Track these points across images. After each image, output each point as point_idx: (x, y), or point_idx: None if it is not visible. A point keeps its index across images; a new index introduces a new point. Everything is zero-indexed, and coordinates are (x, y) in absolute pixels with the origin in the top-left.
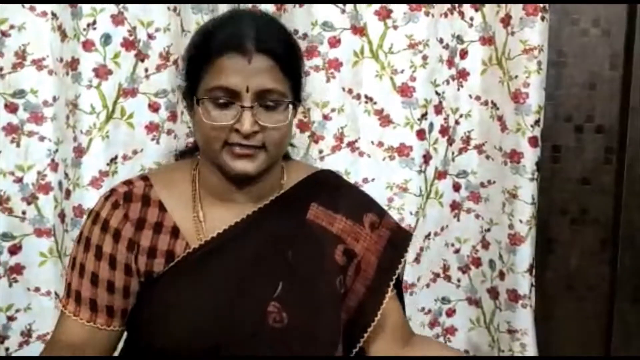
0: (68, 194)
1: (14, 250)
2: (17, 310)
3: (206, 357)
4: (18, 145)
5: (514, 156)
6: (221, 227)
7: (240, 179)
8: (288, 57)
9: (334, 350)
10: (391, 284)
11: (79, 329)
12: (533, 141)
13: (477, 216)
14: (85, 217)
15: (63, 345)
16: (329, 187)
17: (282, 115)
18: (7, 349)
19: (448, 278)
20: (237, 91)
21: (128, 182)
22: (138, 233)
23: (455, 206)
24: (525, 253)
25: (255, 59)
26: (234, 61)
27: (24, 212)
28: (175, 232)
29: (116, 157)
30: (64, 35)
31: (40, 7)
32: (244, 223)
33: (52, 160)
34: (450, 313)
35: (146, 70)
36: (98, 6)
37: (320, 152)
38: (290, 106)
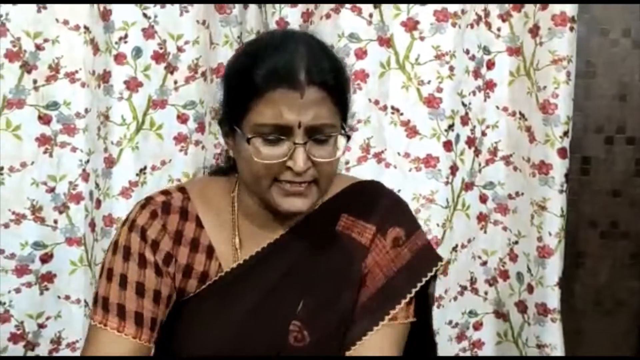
0: (98, 203)
1: (46, 258)
2: (48, 318)
3: None
4: (51, 155)
5: (543, 167)
6: (253, 250)
7: (292, 214)
8: (339, 87)
9: None
10: (388, 315)
11: (122, 347)
12: (562, 152)
13: (504, 228)
14: (119, 225)
15: None
16: (364, 197)
17: (333, 148)
18: (37, 356)
19: (475, 291)
20: (290, 126)
21: (166, 192)
22: (176, 247)
23: (482, 218)
24: (555, 266)
25: (307, 93)
26: (285, 95)
27: (55, 221)
28: (210, 252)
29: (145, 167)
30: (96, 49)
31: (73, 21)
32: (276, 244)
33: (84, 170)
34: (478, 326)
35: (175, 82)
36: (130, 19)
37: (347, 163)
38: (339, 137)
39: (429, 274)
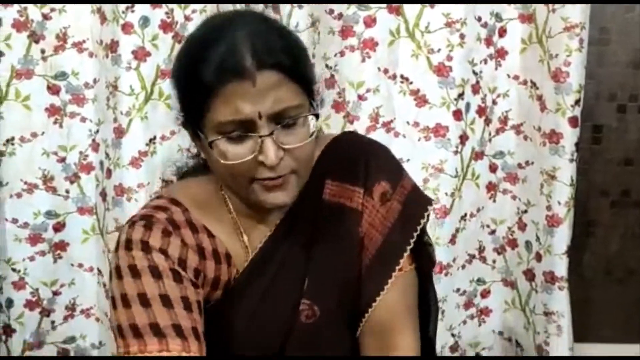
0: (109, 173)
1: (58, 227)
2: (62, 285)
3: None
4: (61, 126)
5: (553, 136)
6: (258, 243)
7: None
8: (295, 64)
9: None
10: (394, 271)
11: None
12: (573, 121)
13: (513, 197)
14: (121, 251)
15: None
16: (343, 157)
17: (304, 128)
18: (52, 322)
19: (483, 259)
20: (251, 119)
21: (160, 208)
22: (202, 262)
23: (491, 187)
24: (564, 235)
25: (259, 79)
26: (237, 88)
27: (67, 191)
28: (228, 259)
29: (155, 137)
30: (103, 18)
31: None
32: (275, 233)
33: (93, 140)
34: (485, 294)
35: None
36: None
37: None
38: (308, 115)
39: (422, 221)
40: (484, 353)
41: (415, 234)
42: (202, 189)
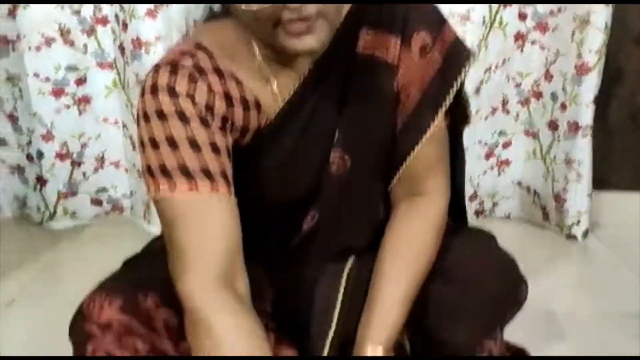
0: (125, 26)
1: (80, 81)
2: (89, 138)
3: (276, 213)
4: None
5: None
6: (288, 92)
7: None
8: None
9: (390, 181)
10: (431, 126)
11: (214, 205)
12: None
13: (542, 47)
14: (147, 95)
15: (208, 238)
16: (382, 5)
17: None
18: (84, 173)
19: (507, 112)
20: None
21: (187, 53)
22: (230, 110)
23: (519, 37)
24: (591, 83)
25: None
26: None
27: (85, 45)
28: (258, 106)
29: None
30: None
31: None
32: (305, 83)
33: None
34: (506, 145)
35: None
36: None
37: None
38: None
39: (461, 76)
40: (502, 202)
41: (453, 90)
42: (228, 33)
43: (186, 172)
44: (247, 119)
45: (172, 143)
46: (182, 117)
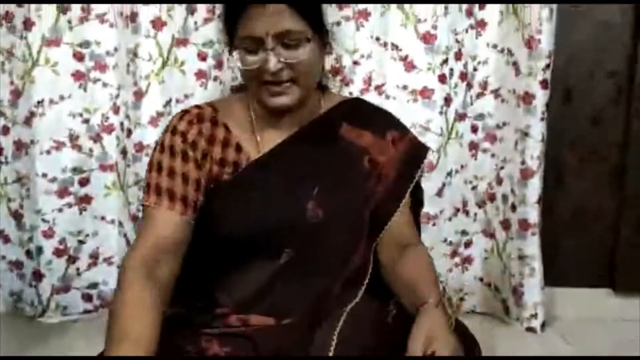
0: (129, 132)
1: (83, 182)
2: (87, 235)
3: (256, 243)
4: (85, 90)
5: (526, 98)
6: (272, 145)
7: (281, 110)
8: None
9: (359, 237)
10: (408, 190)
11: (172, 221)
12: (544, 84)
13: (492, 155)
14: (162, 132)
15: (148, 235)
16: (359, 110)
17: (303, 50)
18: (77, 269)
19: (466, 213)
20: (261, 37)
21: (198, 107)
22: (210, 147)
23: (473, 146)
24: (535, 185)
25: (272, 7)
26: (255, 11)
27: (91, 150)
28: (238, 148)
29: (170, 99)
30: None
31: None
32: (289, 140)
33: (114, 104)
34: (468, 244)
35: (195, 23)
36: None
37: (350, 94)
38: (310, 41)
39: (424, 159)
40: (467, 299)
41: (421, 169)
42: (236, 101)
43: (159, 191)
44: (225, 153)
45: (159, 169)
46: (172, 150)
